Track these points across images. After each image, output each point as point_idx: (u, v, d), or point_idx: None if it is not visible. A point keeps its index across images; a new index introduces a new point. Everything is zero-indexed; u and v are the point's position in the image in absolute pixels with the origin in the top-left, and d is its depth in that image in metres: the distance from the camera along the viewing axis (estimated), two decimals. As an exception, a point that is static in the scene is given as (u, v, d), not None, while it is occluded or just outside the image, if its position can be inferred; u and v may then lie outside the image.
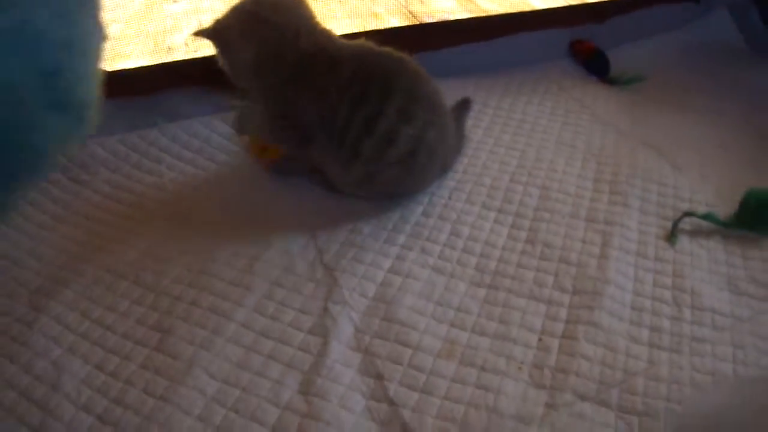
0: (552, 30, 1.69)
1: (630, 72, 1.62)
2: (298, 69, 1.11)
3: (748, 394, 0.89)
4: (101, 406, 0.85)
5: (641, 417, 0.85)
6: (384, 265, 1.06)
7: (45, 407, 0.84)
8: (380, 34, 1.56)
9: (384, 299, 1.00)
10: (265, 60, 1.12)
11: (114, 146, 1.29)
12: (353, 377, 0.89)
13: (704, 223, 1.16)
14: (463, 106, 1.39)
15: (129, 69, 1.44)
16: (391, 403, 0.86)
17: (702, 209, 1.19)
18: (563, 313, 0.99)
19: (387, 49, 1.14)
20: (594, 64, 1.66)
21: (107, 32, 0.52)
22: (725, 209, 1.19)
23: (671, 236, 1.13)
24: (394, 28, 1.68)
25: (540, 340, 0.95)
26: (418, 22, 2.06)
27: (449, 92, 1.41)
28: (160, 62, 1.49)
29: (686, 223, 1.16)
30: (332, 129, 1.10)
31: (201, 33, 1.14)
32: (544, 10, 1.81)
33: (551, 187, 1.24)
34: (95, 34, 0.51)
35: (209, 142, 1.33)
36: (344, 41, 1.16)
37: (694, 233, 1.15)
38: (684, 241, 1.13)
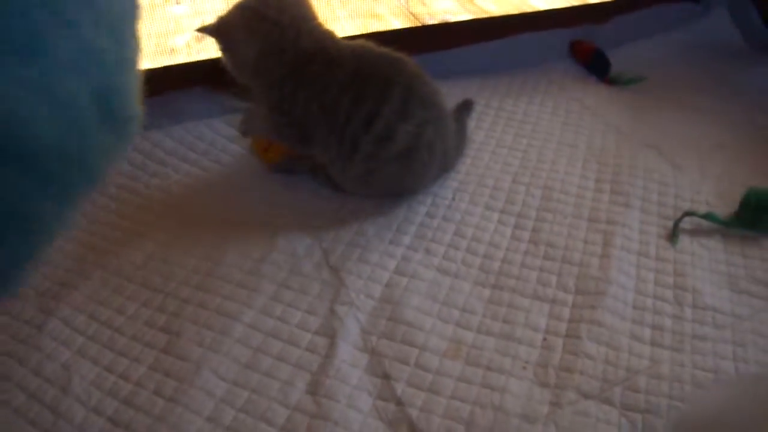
0: (553, 31, 1.70)
1: (630, 72, 1.63)
2: (297, 67, 1.12)
3: (750, 391, 0.90)
4: (112, 408, 0.86)
5: (644, 414, 0.87)
6: (389, 266, 1.07)
7: (55, 409, 0.85)
8: (383, 35, 1.58)
9: (390, 300, 1.01)
10: (267, 57, 1.13)
11: (119, 149, 1.29)
12: (361, 377, 0.90)
13: (705, 223, 1.17)
14: (465, 107, 1.40)
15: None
16: (399, 402, 0.87)
17: (702, 209, 1.20)
18: (566, 313, 1.00)
19: (386, 49, 1.15)
20: (594, 65, 1.67)
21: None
22: (725, 208, 1.20)
23: (672, 236, 1.15)
24: (397, 29, 1.69)
25: (544, 339, 0.96)
26: (419, 23, 2.07)
27: (452, 93, 1.43)
28: (165, 64, 1.50)
29: (687, 223, 1.17)
30: (333, 125, 1.12)
31: (204, 29, 1.16)
32: (544, 11, 1.81)
33: (553, 187, 1.25)
34: (138, 49, 0.52)
35: (214, 144, 1.34)
36: (345, 41, 1.17)
37: (695, 232, 1.16)
38: (685, 241, 1.14)
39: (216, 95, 1.42)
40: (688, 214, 1.17)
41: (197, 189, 1.24)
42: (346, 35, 1.78)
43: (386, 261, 1.07)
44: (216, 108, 1.42)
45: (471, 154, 1.33)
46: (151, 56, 1.83)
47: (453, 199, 1.21)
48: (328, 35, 1.17)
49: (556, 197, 1.22)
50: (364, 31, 1.97)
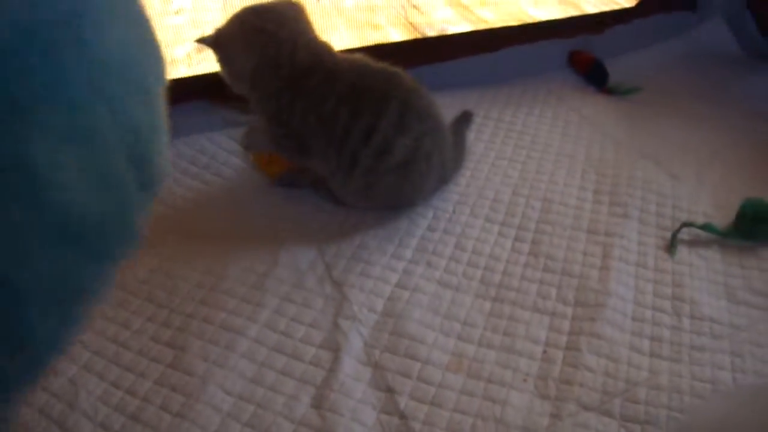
0: (551, 41, 1.72)
1: (628, 82, 1.64)
2: (294, 80, 1.14)
3: (749, 403, 0.91)
4: (119, 424, 0.87)
5: (644, 426, 0.88)
6: (391, 280, 1.08)
7: (63, 425, 0.86)
8: (382, 48, 1.59)
9: (392, 314, 1.02)
10: (264, 70, 1.15)
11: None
12: (364, 391, 0.91)
13: (703, 233, 1.19)
14: (464, 118, 1.42)
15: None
16: (402, 416, 0.88)
17: (700, 219, 1.22)
18: (566, 325, 1.01)
19: (383, 64, 1.17)
20: (593, 75, 1.68)
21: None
22: (723, 219, 1.21)
23: (670, 247, 1.16)
24: (397, 42, 1.70)
25: (544, 352, 0.97)
26: (418, 33, 2.08)
27: (451, 104, 1.44)
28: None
29: (685, 234, 1.18)
30: (331, 138, 1.13)
31: (203, 41, 1.17)
32: (543, 21, 1.83)
33: (553, 199, 1.26)
34: (165, 110, 0.54)
35: (216, 158, 1.36)
36: (342, 55, 1.19)
37: (693, 243, 1.17)
38: (683, 252, 1.15)
39: (216, 108, 1.43)
40: (686, 225, 1.19)
41: (199, 203, 1.25)
42: (346, 46, 1.80)
43: (388, 275, 1.09)
44: (216, 121, 1.43)
45: (471, 166, 1.34)
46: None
47: (453, 211, 1.23)
48: (325, 48, 1.18)
49: (555, 209, 1.24)
50: (363, 42, 1.99)
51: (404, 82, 1.15)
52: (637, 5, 1.83)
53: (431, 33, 2.07)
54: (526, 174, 1.33)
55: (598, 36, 1.76)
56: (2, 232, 0.39)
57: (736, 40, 1.86)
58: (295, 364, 0.95)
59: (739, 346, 0.99)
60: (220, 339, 0.98)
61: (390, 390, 0.91)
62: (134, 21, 0.50)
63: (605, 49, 1.74)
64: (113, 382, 0.92)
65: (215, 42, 1.17)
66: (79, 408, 0.88)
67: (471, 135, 1.43)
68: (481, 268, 1.11)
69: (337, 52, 1.20)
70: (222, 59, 1.19)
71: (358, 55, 1.19)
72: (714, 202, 1.27)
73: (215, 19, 2.11)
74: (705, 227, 1.18)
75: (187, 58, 1.95)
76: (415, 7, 2.28)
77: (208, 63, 1.22)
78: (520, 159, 1.38)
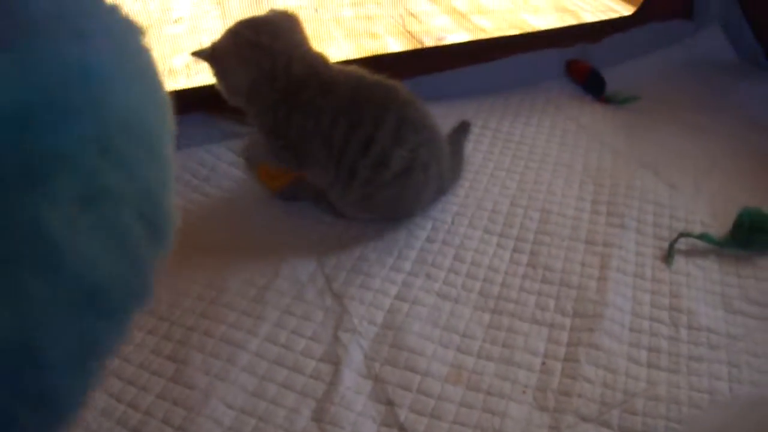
0: (548, 50, 1.72)
1: (626, 90, 1.65)
2: (290, 92, 1.15)
3: (746, 415, 0.92)
4: (122, 437, 0.88)
5: (642, 437, 0.89)
6: (391, 292, 1.09)
7: (66, 439, 0.87)
8: (381, 59, 1.60)
9: (392, 326, 1.03)
10: (259, 84, 1.16)
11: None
12: (365, 404, 0.92)
13: (700, 243, 1.19)
14: (462, 128, 1.43)
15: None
16: (402, 428, 0.89)
17: (697, 228, 1.22)
18: (565, 337, 1.02)
19: (378, 76, 1.18)
20: (590, 84, 1.69)
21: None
22: (720, 228, 1.22)
23: (668, 257, 1.17)
24: (395, 53, 1.72)
25: (543, 363, 0.98)
26: (416, 41, 2.09)
27: (449, 115, 1.45)
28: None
29: (682, 243, 1.19)
30: (330, 149, 1.14)
31: (198, 54, 1.18)
32: (540, 31, 1.84)
33: (551, 210, 1.27)
34: (173, 163, 0.55)
35: (215, 170, 1.37)
36: (338, 67, 1.20)
37: (690, 253, 1.18)
38: (680, 261, 1.16)
39: (215, 120, 1.44)
40: (683, 235, 1.19)
41: (199, 215, 1.26)
42: (344, 55, 1.81)
43: (388, 287, 1.10)
44: (216, 133, 1.44)
45: (469, 177, 1.35)
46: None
47: (452, 223, 1.23)
48: (321, 60, 1.20)
49: (553, 220, 1.25)
50: (361, 51, 2.00)
51: (400, 95, 1.16)
52: (634, 14, 1.84)
53: (429, 41, 2.09)
54: (524, 184, 1.34)
55: (595, 45, 1.77)
56: (21, 298, 0.40)
57: (733, 47, 1.86)
58: (296, 378, 0.95)
59: (736, 356, 1.00)
60: (221, 352, 0.98)
61: (390, 403, 0.92)
62: (144, 76, 0.51)
63: (603, 57, 1.75)
64: (115, 395, 0.93)
65: (211, 56, 1.18)
66: (81, 422, 0.89)
67: (469, 145, 1.44)
68: (479, 279, 1.12)
69: (333, 64, 1.21)
70: (218, 73, 1.20)
71: (353, 67, 1.20)
72: (711, 211, 1.28)
73: (214, 27, 2.13)
74: (702, 237, 1.19)
75: (185, 68, 1.97)
76: (412, 15, 2.30)
77: (206, 73, 1.23)
78: (518, 169, 1.39)
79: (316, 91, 1.14)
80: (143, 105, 0.49)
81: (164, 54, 2.00)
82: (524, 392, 0.94)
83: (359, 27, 2.21)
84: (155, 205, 0.48)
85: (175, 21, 2.30)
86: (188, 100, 1.42)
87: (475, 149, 1.44)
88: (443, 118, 1.44)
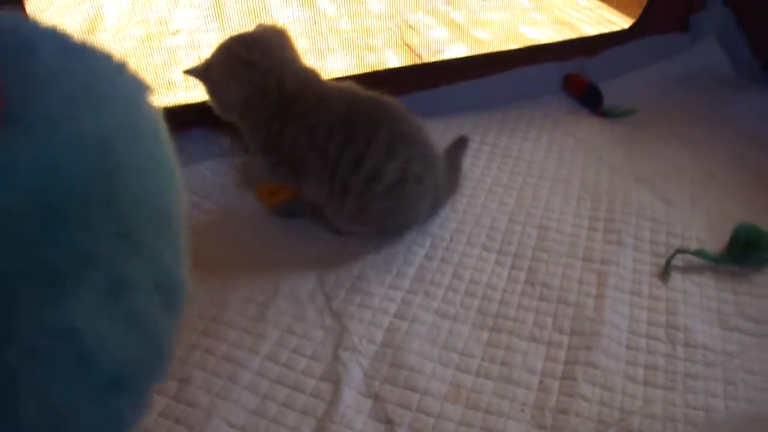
0: (545, 65, 1.74)
1: (623, 104, 1.67)
2: (284, 107, 1.16)
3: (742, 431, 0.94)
4: (125, 457, 0.88)
5: (639, 455, 0.90)
6: (390, 310, 1.10)
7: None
8: (378, 75, 1.61)
9: (391, 345, 1.04)
10: (253, 100, 1.17)
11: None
12: (365, 422, 0.93)
13: (696, 259, 1.20)
14: (460, 144, 1.44)
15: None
16: (401, 448, 0.90)
17: (694, 244, 1.24)
18: (562, 355, 1.03)
19: (371, 92, 1.19)
20: (587, 98, 1.70)
21: None
22: (716, 244, 1.23)
23: (664, 273, 1.18)
24: (392, 69, 1.73)
25: (541, 381, 0.99)
26: (414, 54, 2.10)
27: (447, 130, 1.47)
28: (163, 106, 1.53)
29: (678, 260, 1.20)
30: (324, 164, 1.16)
31: (191, 72, 1.20)
32: (537, 45, 1.85)
33: (549, 226, 1.28)
34: (185, 232, 0.56)
35: (215, 187, 1.38)
36: (330, 82, 1.22)
37: (686, 269, 1.19)
38: (676, 278, 1.17)
39: (215, 136, 1.45)
40: (680, 251, 1.20)
41: (199, 232, 1.26)
42: (342, 67, 1.82)
43: (387, 305, 1.11)
44: (215, 149, 1.45)
45: (468, 193, 1.36)
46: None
47: (451, 240, 1.24)
48: (313, 76, 1.21)
49: (551, 236, 1.26)
50: (359, 63, 2.01)
51: (393, 110, 1.18)
52: (632, 27, 1.85)
53: (427, 53, 2.10)
54: (522, 200, 1.35)
55: (592, 59, 1.78)
56: (48, 392, 0.40)
57: (730, 61, 1.88)
58: (297, 396, 0.96)
59: (732, 374, 1.01)
60: (223, 371, 0.99)
61: (390, 421, 0.93)
62: (155, 142, 0.52)
63: (600, 71, 1.76)
64: (118, 414, 0.94)
65: (203, 73, 1.19)
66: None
67: (467, 161, 1.45)
68: (478, 297, 1.13)
69: (326, 80, 1.23)
70: (211, 90, 1.21)
71: (346, 83, 1.21)
72: (708, 227, 1.29)
73: (213, 40, 2.13)
74: (698, 253, 1.20)
75: (184, 80, 1.97)
76: (410, 27, 2.31)
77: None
78: (516, 185, 1.40)
79: (310, 106, 1.16)
80: (155, 178, 0.50)
81: (163, 66, 2.01)
82: (522, 410, 0.95)
83: (357, 39, 2.22)
84: (170, 278, 0.49)
85: (174, 33, 2.30)
86: (187, 116, 1.44)
87: (473, 164, 1.46)
88: (442, 132, 1.46)
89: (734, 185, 1.42)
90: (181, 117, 1.44)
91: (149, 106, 0.52)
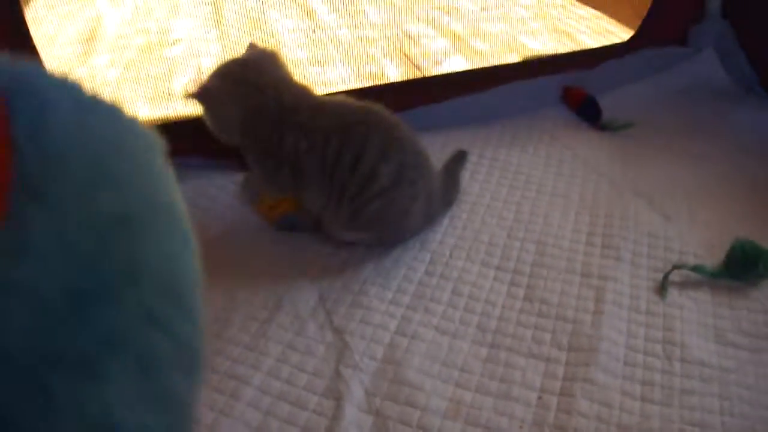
0: (544, 78, 1.75)
1: (621, 117, 1.68)
2: (282, 118, 1.20)
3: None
4: (129, 474, 0.89)
5: (635, 472, 0.91)
6: (391, 327, 1.11)
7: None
8: (377, 89, 1.63)
9: (392, 361, 1.05)
10: (252, 117, 1.21)
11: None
12: (366, 440, 0.94)
13: (693, 275, 1.21)
14: (459, 157, 1.46)
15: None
16: (402, 465, 0.91)
17: (691, 259, 1.25)
18: (560, 371, 1.04)
19: (363, 102, 1.23)
20: (585, 111, 1.72)
21: None
22: (713, 259, 1.24)
23: (662, 289, 1.19)
24: (390, 83, 1.74)
25: (539, 398, 1.00)
26: (413, 65, 2.12)
27: (446, 144, 1.48)
28: (164, 120, 1.55)
29: (676, 275, 1.21)
30: (323, 166, 1.19)
31: (189, 96, 1.22)
32: (535, 58, 1.87)
33: (547, 242, 1.29)
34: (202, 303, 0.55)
35: (216, 201, 1.39)
36: (323, 96, 1.27)
37: (684, 285, 1.20)
38: (674, 294, 1.18)
39: (219, 152, 1.46)
40: (677, 267, 1.21)
41: (200, 247, 1.27)
42: (341, 78, 1.83)
43: (387, 321, 1.12)
44: (216, 164, 1.46)
45: (467, 208, 1.38)
46: (150, 101, 1.87)
47: (450, 256, 1.26)
48: (307, 92, 1.26)
49: (549, 252, 1.27)
50: (359, 74, 2.02)
51: (385, 118, 1.22)
52: (630, 40, 1.86)
53: (426, 64, 2.11)
54: (521, 215, 1.37)
55: (590, 71, 1.80)
56: None
57: (728, 74, 1.89)
58: (299, 413, 0.97)
59: (728, 389, 1.02)
60: (226, 388, 1.01)
61: (391, 438, 0.94)
62: (170, 209, 0.51)
63: (598, 84, 1.77)
64: None
65: (201, 96, 1.22)
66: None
67: (466, 175, 1.46)
68: (477, 313, 1.14)
69: (319, 95, 1.27)
70: (209, 113, 1.24)
71: (339, 97, 1.25)
72: (705, 242, 1.30)
73: (212, 50, 2.15)
74: (695, 269, 1.21)
75: (184, 92, 1.98)
76: (410, 38, 2.32)
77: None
78: (514, 200, 1.41)
79: (307, 116, 1.20)
80: (173, 250, 0.50)
81: (163, 75, 2.02)
82: (521, 427, 0.96)
83: (356, 50, 2.23)
84: (192, 351, 0.50)
85: (174, 43, 2.32)
86: (188, 130, 1.44)
87: (472, 178, 1.47)
88: (441, 146, 1.47)
89: (732, 198, 1.44)
90: (182, 131, 1.45)
91: (162, 168, 0.52)
